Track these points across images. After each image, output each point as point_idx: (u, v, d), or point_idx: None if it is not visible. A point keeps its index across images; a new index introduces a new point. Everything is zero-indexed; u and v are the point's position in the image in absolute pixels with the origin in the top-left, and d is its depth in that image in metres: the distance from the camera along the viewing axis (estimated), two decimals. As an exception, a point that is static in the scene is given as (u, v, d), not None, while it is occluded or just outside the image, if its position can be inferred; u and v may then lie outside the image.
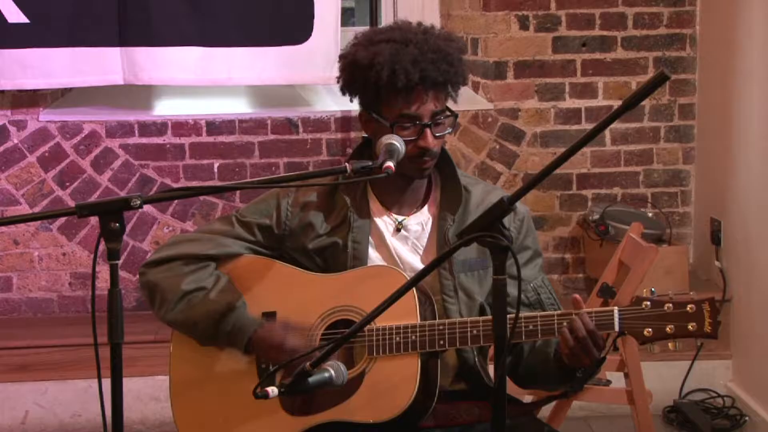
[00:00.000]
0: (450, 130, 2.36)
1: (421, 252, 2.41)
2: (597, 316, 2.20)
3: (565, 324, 2.20)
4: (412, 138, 2.29)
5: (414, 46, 2.29)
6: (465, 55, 2.42)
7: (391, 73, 2.26)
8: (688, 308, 2.19)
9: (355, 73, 2.34)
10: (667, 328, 2.18)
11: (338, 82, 2.41)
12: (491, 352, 2.43)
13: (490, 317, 2.27)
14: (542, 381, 2.41)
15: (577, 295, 2.24)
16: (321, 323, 2.35)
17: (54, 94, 4.32)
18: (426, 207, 2.43)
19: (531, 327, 2.23)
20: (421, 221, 2.42)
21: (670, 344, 2.20)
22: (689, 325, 2.18)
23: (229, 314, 2.36)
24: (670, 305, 2.19)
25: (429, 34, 2.34)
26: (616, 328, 2.20)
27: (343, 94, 2.42)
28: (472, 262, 2.38)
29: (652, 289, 2.22)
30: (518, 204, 2.36)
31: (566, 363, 2.24)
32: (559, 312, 2.25)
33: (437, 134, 2.32)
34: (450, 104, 2.38)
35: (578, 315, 2.19)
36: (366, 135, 2.44)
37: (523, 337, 2.24)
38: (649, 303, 2.19)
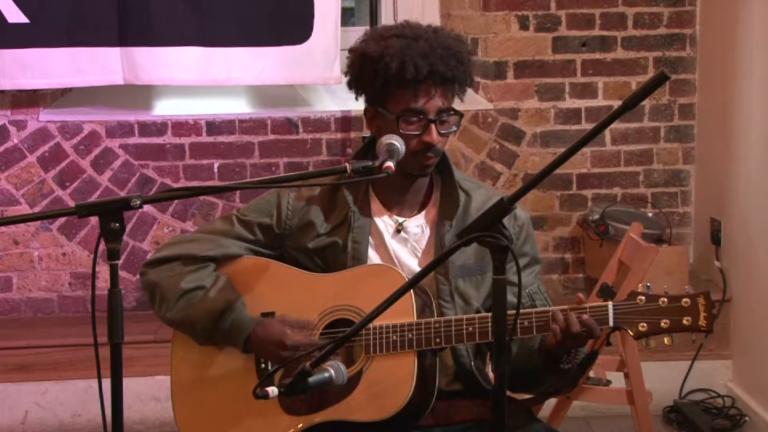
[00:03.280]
0: (455, 129, 2.36)
1: (419, 255, 2.41)
2: (592, 312, 2.20)
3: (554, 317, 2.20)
4: (417, 133, 2.29)
5: (424, 41, 2.30)
6: (474, 57, 2.42)
7: (401, 65, 2.27)
8: (683, 302, 2.19)
9: (364, 65, 2.34)
10: (662, 323, 2.18)
11: (346, 76, 2.41)
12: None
13: (485, 314, 2.27)
14: (528, 378, 2.39)
15: (580, 294, 2.24)
16: (320, 322, 2.35)
17: (54, 94, 4.32)
18: (426, 210, 2.43)
19: (526, 323, 2.23)
20: (420, 224, 2.42)
21: (665, 339, 2.19)
22: (684, 319, 2.18)
23: (227, 313, 2.36)
24: (665, 299, 2.19)
25: (439, 33, 2.36)
26: (611, 323, 2.20)
27: (350, 88, 2.42)
28: (470, 267, 2.38)
29: (648, 284, 2.22)
30: (519, 210, 2.36)
31: (551, 354, 2.23)
32: (554, 308, 2.24)
33: (442, 132, 2.32)
34: (453, 105, 2.38)
35: (566, 316, 2.18)
36: (366, 135, 2.44)
37: (518, 333, 2.24)
38: (643, 297, 2.19)
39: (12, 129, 4.27)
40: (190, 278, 2.41)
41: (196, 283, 2.40)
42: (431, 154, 2.32)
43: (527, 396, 2.68)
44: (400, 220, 2.42)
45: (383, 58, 2.29)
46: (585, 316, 2.17)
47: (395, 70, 2.27)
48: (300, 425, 2.32)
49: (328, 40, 4.12)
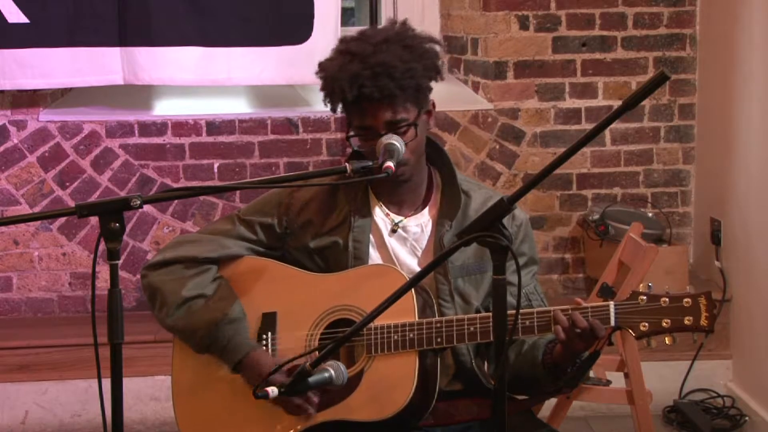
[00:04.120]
0: (411, 140, 2.30)
1: (419, 254, 2.41)
2: (593, 311, 2.20)
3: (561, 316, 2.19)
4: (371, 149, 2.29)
5: (359, 60, 2.26)
6: (428, 62, 2.32)
7: (331, 90, 2.29)
8: (684, 302, 2.19)
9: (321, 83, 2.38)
10: (663, 323, 2.19)
11: None
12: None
13: (486, 314, 2.27)
14: (529, 385, 2.38)
15: (579, 299, 2.24)
16: (321, 323, 2.35)
17: (54, 94, 4.32)
18: (426, 209, 2.43)
19: (528, 323, 2.23)
20: (420, 223, 2.42)
21: (667, 339, 2.20)
22: (685, 319, 2.19)
23: (227, 326, 2.36)
24: (666, 299, 2.19)
25: (387, 43, 2.29)
26: (612, 323, 2.20)
27: None
28: (469, 267, 2.38)
29: (649, 284, 2.22)
30: (518, 210, 2.37)
31: (558, 364, 2.23)
32: (555, 308, 2.24)
33: None
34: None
35: (570, 314, 2.18)
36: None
37: (520, 333, 2.24)
38: (645, 297, 2.20)
39: (12, 129, 4.27)
40: (191, 284, 2.40)
41: (197, 290, 2.40)
42: None
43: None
44: (397, 219, 2.41)
45: (323, 79, 2.32)
46: (590, 319, 2.17)
47: (327, 95, 2.31)
48: (300, 425, 2.32)
49: (328, 40, 4.11)
